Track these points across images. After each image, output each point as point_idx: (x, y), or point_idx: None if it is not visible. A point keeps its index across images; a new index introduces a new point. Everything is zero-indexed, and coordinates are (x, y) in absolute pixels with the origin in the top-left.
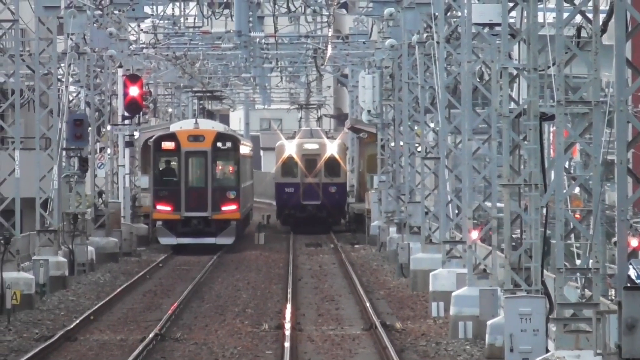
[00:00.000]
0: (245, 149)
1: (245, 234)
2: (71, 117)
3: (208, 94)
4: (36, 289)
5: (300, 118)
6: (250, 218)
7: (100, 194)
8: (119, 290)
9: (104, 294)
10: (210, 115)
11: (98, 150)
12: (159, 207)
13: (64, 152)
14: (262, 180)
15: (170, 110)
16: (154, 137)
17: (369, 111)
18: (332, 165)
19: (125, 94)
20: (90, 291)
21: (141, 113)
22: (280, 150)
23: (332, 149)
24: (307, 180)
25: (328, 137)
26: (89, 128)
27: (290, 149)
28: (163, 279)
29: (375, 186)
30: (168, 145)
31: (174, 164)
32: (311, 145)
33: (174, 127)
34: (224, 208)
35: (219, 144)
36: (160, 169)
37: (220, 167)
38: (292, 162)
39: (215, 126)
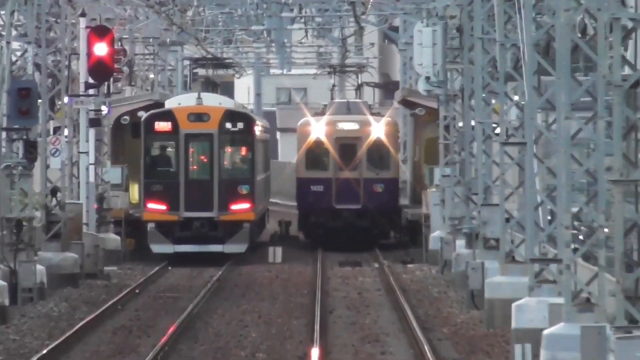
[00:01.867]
0: (261, 131)
1: (257, 246)
2: (14, 84)
3: (206, 57)
4: None
5: (333, 87)
6: (267, 222)
7: (54, 192)
8: (79, 326)
9: (58, 332)
10: (211, 85)
11: (51, 132)
12: (150, 205)
13: (4, 134)
14: (278, 173)
15: (151, 76)
16: (145, 116)
17: (427, 78)
18: (378, 154)
19: (90, 54)
20: (40, 327)
21: (111, 80)
22: (304, 132)
23: (377, 130)
24: (343, 175)
25: (372, 114)
26: (39, 100)
27: (319, 130)
28: (141, 310)
29: (437, 182)
30: (163, 126)
31: (170, 150)
32: (348, 125)
33: (171, 103)
34: (234, 207)
35: (228, 125)
36: (153, 156)
37: (229, 155)
38: (321, 148)
39: (224, 102)
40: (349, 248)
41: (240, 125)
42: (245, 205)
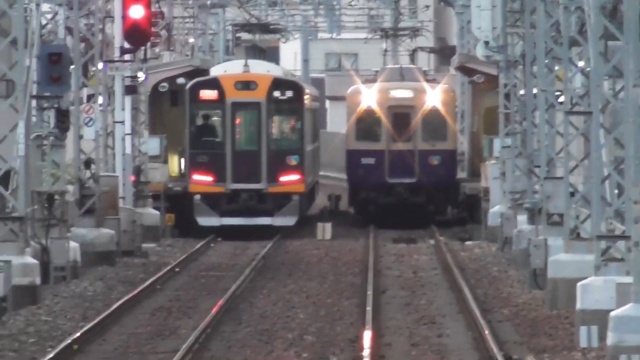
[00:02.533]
0: (310, 99)
1: (306, 220)
2: (44, 50)
3: (250, 22)
4: None
5: (385, 51)
6: (316, 194)
7: (87, 164)
8: (115, 306)
9: (93, 313)
10: (258, 51)
11: (85, 100)
12: (196, 177)
13: (34, 102)
14: (328, 144)
15: (191, 40)
16: (190, 84)
17: (486, 43)
18: (435, 124)
19: (125, 17)
20: (73, 308)
21: (149, 44)
22: (355, 100)
23: (434, 98)
24: (396, 147)
25: (427, 81)
26: (72, 66)
27: (370, 97)
28: (181, 290)
29: (496, 154)
30: (208, 94)
31: (216, 119)
32: (402, 93)
33: (216, 71)
34: (283, 178)
35: (277, 94)
36: (198, 126)
37: (278, 124)
38: (373, 118)
39: (272, 69)
40: (403, 225)
41: (289, 93)
42: (295, 177)
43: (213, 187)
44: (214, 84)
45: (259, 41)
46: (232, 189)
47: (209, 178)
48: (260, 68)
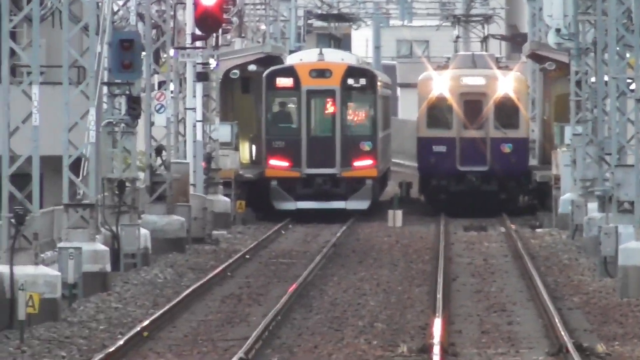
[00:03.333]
0: (383, 87)
1: (379, 205)
2: (116, 36)
3: (323, 12)
4: (63, 292)
5: (457, 38)
6: (388, 180)
7: (159, 151)
8: (185, 293)
9: (163, 300)
10: (332, 39)
11: (156, 86)
12: (272, 162)
13: (105, 89)
14: (399, 131)
15: (263, 27)
16: (266, 72)
17: (558, 30)
18: (507, 111)
19: (197, 3)
20: (143, 295)
21: (220, 31)
22: (426, 87)
23: (506, 85)
24: (467, 134)
25: (499, 68)
26: (143, 53)
27: (441, 84)
28: (252, 277)
29: (567, 142)
30: (284, 82)
31: (291, 106)
32: (473, 80)
33: (292, 59)
34: (356, 163)
35: (351, 81)
36: (274, 112)
37: (352, 111)
38: (444, 105)
39: (346, 58)
40: (474, 213)
41: (362, 81)
42: (368, 162)
43: (289, 172)
44: (290, 72)
45: (331, 29)
46: (307, 173)
47: (284, 163)
48: (335, 56)
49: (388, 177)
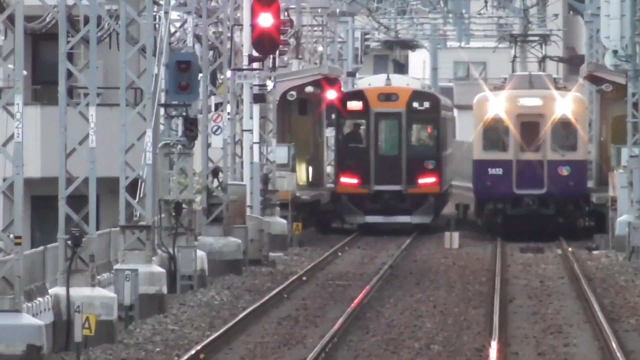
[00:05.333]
0: (446, 110)
1: (435, 229)
2: (173, 57)
3: (379, 29)
4: (119, 314)
5: (514, 58)
6: (449, 197)
7: (215, 172)
8: (242, 315)
9: (219, 322)
10: (396, 64)
11: (213, 108)
12: (343, 179)
13: (162, 110)
14: (456, 152)
15: (320, 48)
16: (338, 96)
17: (615, 52)
18: (565, 133)
19: (254, 25)
20: (200, 317)
21: (277, 53)
22: (482, 108)
23: (564, 105)
24: (524, 157)
25: (557, 89)
26: (200, 75)
27: (497, 105)
28: (308, 299)
29: (624, 163)
30: (355, 105)
31: (362, 127)
32: (530, 101)
33: (362, 84)
34: (421, 180)
35: (416, 104)
36: (345, 133)
37: (416, 132)
38: (500, 126)
39: (410, 82)
40: (531, 237)
41: (426, 104)
42: (432, 179)
43: (358, 189)
44: (360, 95)
45: (388, 51)
46: (375, 190)
47: (354, 180)
48: (401, 81)
49: (449, 194)
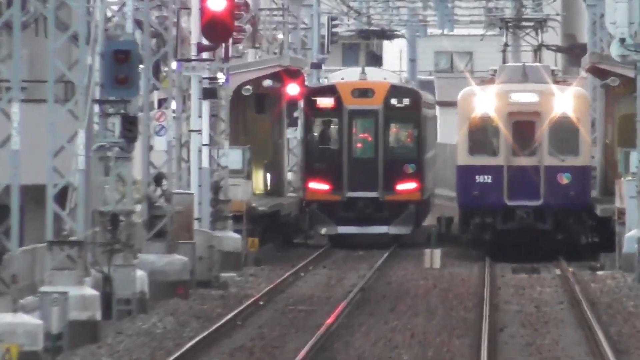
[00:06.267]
0: (427, 107)
1: (413, 245)
2: (110, 46)
3: (349, 14)
4: (45, 344)
5: (505, 47)
6: (431, 207)
7: (158, 179)
8: (188, 346)
9: (162, 353)
10: (372, 56)
11: (156, 105)
12: (312, 185)
13: (96, 108)
14: (437, 157)
15: (280, 36)
16: (306, 91)
17: (622, 40)
18: (565, 134)
19: (204, 9)
20: (140, 347)
21: (230, 41)
22: (468, 105)
23: (563, 103)
24: (517, 162)
25: (556, 82)
26: (141, 66)
27: (486, 102)
28: (265, 327)
29: (633, 169)
30: (325, 102)
31: (333, 127)
32: (524, 96)
33: (333, 78)
34: (400, 187)
35: (394, 101)
36: (315, 134)
37: (395, 132)
38: (489, 126)
39: (389, 77)
40: (525, 256)
41: (406, 101)
42: (412, 185)
43: (329, 196)
44: (331, 91)
45: (360, 40)
46: (348, 197)
47: (325, 186)
48: (377, 75)
49: (432, 202)
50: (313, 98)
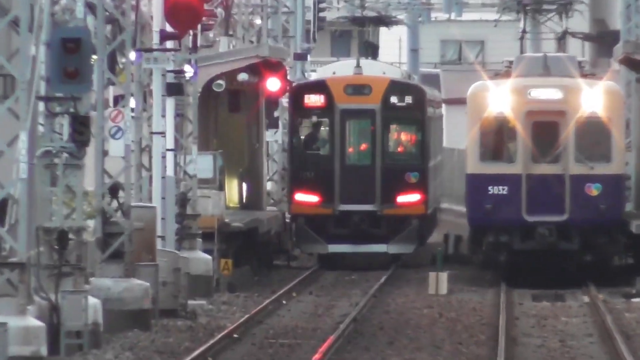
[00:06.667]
0: (433, 106)
1: (415, 266)
2: (57, 33)
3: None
4: None
5: (523, 33)
6: (437, 223)
7: (114, 190)
8: None
9: None
10: (368, 46)
11: (111, 103)
12: (299, 196)
13: (40, 106)
14: (443, 164)
15: (258, 22)
16: (293, 86)
17: None
18: (594, 138)
19: None
20: None
21: (199, 28)
22: (479, 103)
23: (592, 100)
24: (538, 170)
25: (583, 76)
26: (94, 57)
27: (501, 99)
28: None
29: None
30: (314, 100)
31: (323, 129)
32: (546, 92)
33: (323, 73)
34: (400, 198)
35: (394, 99)
36: (302, 137)
37: (395, 135)
38: (504, 128)
39: (388, 71)
40: (548, 281)
41: (408, 99)
42: (415, 197)
43: (319, 209)
44: (321, 87)
45: (352, 27)
46: (341, 210)
47: (314, 198)
48: (375, 69)
49: (438, 216)
50: (300, 95)
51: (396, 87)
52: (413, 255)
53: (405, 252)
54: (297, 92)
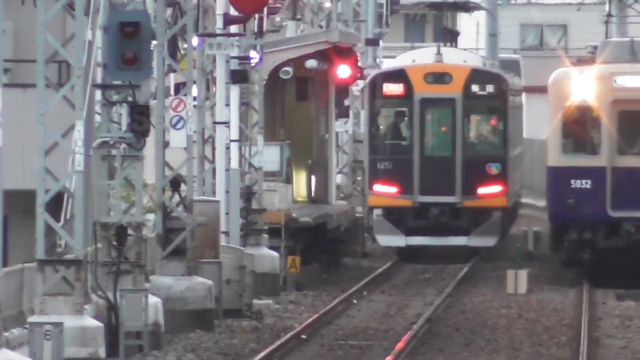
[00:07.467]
0: (515, 94)
1: (492, 264)
2: (115, 18)
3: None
4: None
5: (608, 17)
6: (518, 213)
7: (175, 184)
8: None
9: None
10: (447, 33)
11: (172, 91)
12: (377, 187)
13: (98, 94)
14: (524, 155)
15: (327, 5)
16: (370, 76)
17: None
18: None
19: None
20: None
21: (265, 11)
22: (561, 91)
23: None
24: (624, 163)
25: None
26: (153, 42)
27: (585, 87)
28: None
29: None
30: (393, 89)
31: (402, 119)
32: (633, 80)
33: (402, 60)
34: (481, 190)
35: (475, 88)
36: (380, 127)
37: (476, 125)
38: (588, 118)
39: (469, 59)
40: (634, 280)
41: (489, 88)
42: (496, 189)
43: (397, 200)
44: (400, 76)
45: (427, 11)
46: (420, 202)
47: (392, 189)
48: (456, 57)
49: (519, 206)
50: (378, 84)
51: (478, 75)
52: (492, 250)
53: (487, 246)
54: (376, 81)
